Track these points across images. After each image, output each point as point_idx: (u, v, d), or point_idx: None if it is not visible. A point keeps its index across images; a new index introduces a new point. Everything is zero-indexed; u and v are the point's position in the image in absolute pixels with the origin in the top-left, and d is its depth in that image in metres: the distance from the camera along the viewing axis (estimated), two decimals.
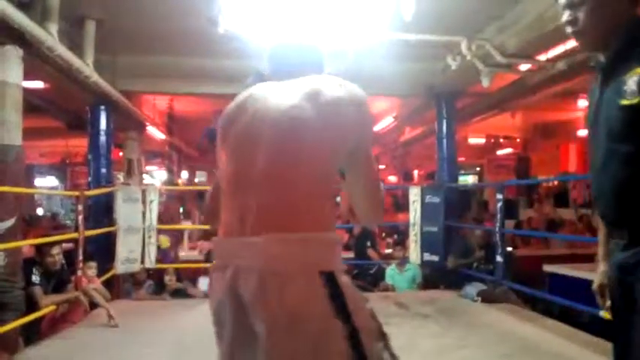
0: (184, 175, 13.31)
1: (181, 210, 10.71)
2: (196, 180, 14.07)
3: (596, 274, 1.55)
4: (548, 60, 4.80)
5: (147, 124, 7.59)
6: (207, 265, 5.72)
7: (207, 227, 7.85)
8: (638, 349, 1.30)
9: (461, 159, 10.16)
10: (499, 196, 4.88)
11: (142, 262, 5.19)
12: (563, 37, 4.08)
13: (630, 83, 1.27)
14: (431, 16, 4.20)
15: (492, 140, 10.42)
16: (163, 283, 5.37)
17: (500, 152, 11.65)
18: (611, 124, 1.34)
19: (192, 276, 5.92)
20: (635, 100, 1.26)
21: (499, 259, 4.75)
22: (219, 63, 5.77)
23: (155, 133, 8.54)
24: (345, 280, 1.13)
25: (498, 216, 4.83)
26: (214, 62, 5.82)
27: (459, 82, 5.70)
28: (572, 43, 4.30)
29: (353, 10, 4.08)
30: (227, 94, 5.96)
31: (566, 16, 1.43)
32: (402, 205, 8.44)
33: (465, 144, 9.81)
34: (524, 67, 5.12)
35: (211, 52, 5.43)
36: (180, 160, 11.50)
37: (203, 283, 5.77)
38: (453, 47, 4.82)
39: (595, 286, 1.55)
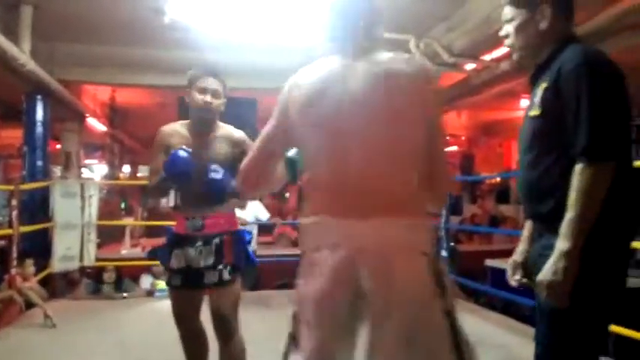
0: (126, 169, 12.87)
1: (123, 205, 10.36)
2: (139, 174, 13.63)
3: (517, 250, 1.70)
4: (492, 60, 4.93)
5: (87, 115, 7.26)
6: (150, 262, 5.56)
7: (149, 224, 7.53)
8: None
9: None
10: None
11: (81, 259, 4.96)
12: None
13: (537, 96, 1.44)
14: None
15: None
16: (101, 281, 5.16)
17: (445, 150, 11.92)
18: (523, 133, 1.53)
19: (134, 274, 5.73)
20: (537, 112, 1.43)
21: (444, 254, 4.85)
22: (164, 53, 5.59)
23: (95, 124, 8.19)
24: (437, 260, 1.26)
25: (443, 212, 4.93)
26: (159, 52, 5.63)
27: None
28: None
29: (306, 4, 4.03)
30: (171, 85, 5.87)
31: (503, 30, 1.58)
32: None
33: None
34: (470, 66, 5.24)
35: (156, 42, 5.24)
36: (122, 153, 11.10)
37: (145, 281, 5.59)
38: (402, 45, 4.87)
39: (510, 260, 1.69)
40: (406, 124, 1.23)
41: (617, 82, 1.38)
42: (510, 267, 1.69)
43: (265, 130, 1.39)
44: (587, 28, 3.68)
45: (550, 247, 1.38)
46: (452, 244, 5.40)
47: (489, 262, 5.64)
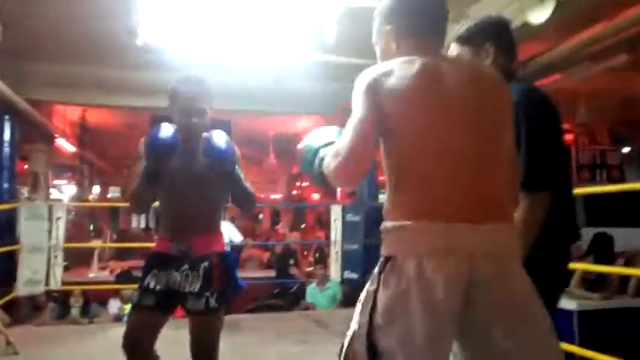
0: (96, 190, 12.65)
1: (91, 227, 10.16)
2: (109, 195, 13.42)
3: None
4: None
5: (56, 135, 7.15)
6: (119, 286, 5.46)
7: (119, 245, 7.39)
8: None
9: (381, 178, 10.44)
10: None
11: (47, 283, 4.84)
12: None
13: None
14: (352, 39, 4.32)
15: None
16: (68, 306, 5.04)
17: None
18: None
19: (102, 298, 5.60)
20: None
21: None
22: (137, 75, 5.58)
23: (65, 144, 8.07)
24: None
25: None
26: (130, 74, 5.62)
27: None
28: None
29: (276, 29, 4.11)
30: (144, 106, 5.85)
31: None
32: (325, 223, 8.53)
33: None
34: None
35: (128, 63, 5.25)
36: (91, 174, 10.93)
37: (113, 305, 5.48)
38: None
39: None
40: (504, 128, 1.24)
41: (551, 117, 1.52)
42: None
43: (358, 118, 1.22)
44: (548, 58, 3.86)
45: None
46: None
47: None
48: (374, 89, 1.21)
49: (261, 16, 3.89)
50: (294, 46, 4.35)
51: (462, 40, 1.66)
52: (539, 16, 3.23)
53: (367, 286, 1.19)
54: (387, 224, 1.21)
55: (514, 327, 1.13)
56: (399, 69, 1.20)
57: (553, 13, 3.13)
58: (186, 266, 1.94)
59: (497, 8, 3.66)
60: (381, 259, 1.18)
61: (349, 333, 1.19)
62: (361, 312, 1.17)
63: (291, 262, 6.87)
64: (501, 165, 1.22)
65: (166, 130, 1.87)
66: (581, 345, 3.31)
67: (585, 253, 4.59)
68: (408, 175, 1.20)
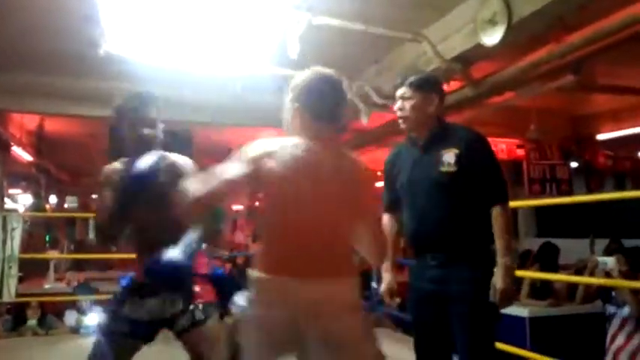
0: (52, 199, 12.29)
1: (47, 238, 9.86)
2: (66, 205, 13.04)
3: (384, 281, 2.26)
4: None
5: (12, 144, 6.96)
6: (75, 298, 5.35)
7: (76, 257, 7.22)
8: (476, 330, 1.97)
9: None
10: None
11: (0, 295, 4.70)
12: None
13: (446, 157, 1.99)
14: (316, 55, 4.40)
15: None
16: (24, 318, 4.90)
17: (378, 185, 12.29)
18: (431, 184, 2.02)
19: (58, 310, 5.47)
20: (453, 169, 1.97)
21: (374, 285, 5.00)
22: (97, 84, 5.50)
23: (21, 153, 7.85)
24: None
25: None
26: (91, 83, 5.53)
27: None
28: None
29: (240, 42, 4.16)
30: (103, 116, 5.77)
31: (398, 103, 2.11)
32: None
33: None
34: None
35: (89, 72, 5.18)
36: (48, 183, 10.62)
37: (70, 317, 5.35)
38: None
39: (385, 289, 2.24)
40: (351, 206, 1.56)
41: None
42: (388, 293, 2.23)
43: (230, 169, 1.51)
44: (500, 77, 4.04)
45: (463, 274, 1.97)
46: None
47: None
48: (259, 160, 1.49)
49: (225, 29, 3.94)
50: (256, 59, 4.41)
51: (414, 86, 2.07)
52: (491, 38, 3.39)
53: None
54: (254, 274, 1.51)
55: None
56: (281, 151, 1.50)
57: (504, 36, 3.30)
58: (164, 291, 1.90)
59: (452, 30, 3.84)
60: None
61: None
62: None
63: None
64: (344, 235, 1.56)
65: (144, 164, 1.84)
66: (532, 350, 3.46)
67: (531, 262, 4.79)
68: (272, 236, 1.53)
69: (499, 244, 1.93)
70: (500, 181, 2.03)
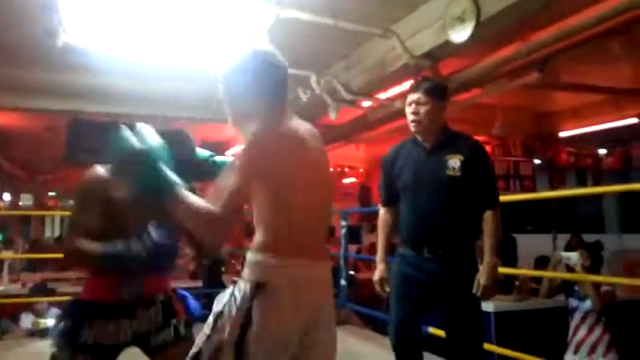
0: (6, 197, 11.82)
1: (0, 237, 9.46)
2: (21, 203, 12.57)
3: (377, 271, 2.39)
4: (387, 99, 5.25)
5: None
6: (34, 300, 5.13)
7: (32, 256, 6.94)
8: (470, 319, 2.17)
9: None
10: (343, 223, 5.15)
11: None
12: (400, 79, 4.51)
13: (452, 162, 2.17)
14: (284, 50, 4.34)
15: (338, 169, 10.98)
16: None
17: (345, 181, 12.33)
18: (436, 185, 2.19)
19: (12, 312, 5.23)
20: (457, 174, 2.16)
21: (343, 282, 4.98)
22: (54, 76, 5.29)
23: None
24: None
25: (342, 241, 5.08)
26: (48, 75, 5.31)
27: (309, 113, 5.95)
28: (408, 85, 4.77)
29: (207, 36, 4.06)
30: (62, 109, 5.55)
31: (412, 107, 2.25)
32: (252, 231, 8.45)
33: None
34: (366, 103, 5.53)
35: (46, 64, 4.97)
36: (1, 180, 10.20)
37: (26, 320, 5.13)
38: (303, 81, 5.04)
39: (377, 278, 2.37)
40: (331, 183, 1.64)
41: None
42: (380, 282, 2.36)
43: (231, 185, 1.42)
44: (467, 74, 4.07)
45: (453, 270, 2.18)
46: (351, 272, 5.56)
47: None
48: (254, 160, 1.42)
49: (191, 20, 3.83)
50: (224, 53, 4.31)
51: (430, 93, 2.24)
52: (460, 35, 3.40)
53: (234, 303, 1.40)
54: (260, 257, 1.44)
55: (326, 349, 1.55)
56: (272, 139, 1.45)
57: (473, 33, 3.32)
58: (140, 309, 1.68)
59: (421, 26, 3.84)
60: (250, 284, 1.41)
61: (212, 341, 1.40)
62: (231, 324, 1.39)
63: (223, 269, 6.82)
64: (329, 215, 1.66)
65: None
66: (497, 344, 3.51)
67: None
68: (280, 221, 1.47)
69: (488, 244, 2.15)
70: (495, 189, 2.29)
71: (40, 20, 3.82)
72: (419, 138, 2.30)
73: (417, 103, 2.24)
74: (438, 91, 2.29)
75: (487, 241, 2.14)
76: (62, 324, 1.67)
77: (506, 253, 4.66)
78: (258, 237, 1.46)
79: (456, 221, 2.18)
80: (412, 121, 2.26)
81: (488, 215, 2.17)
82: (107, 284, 1.67)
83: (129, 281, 1.66)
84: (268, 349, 1.37)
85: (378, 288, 2.36)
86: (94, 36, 4.18)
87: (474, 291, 2.11)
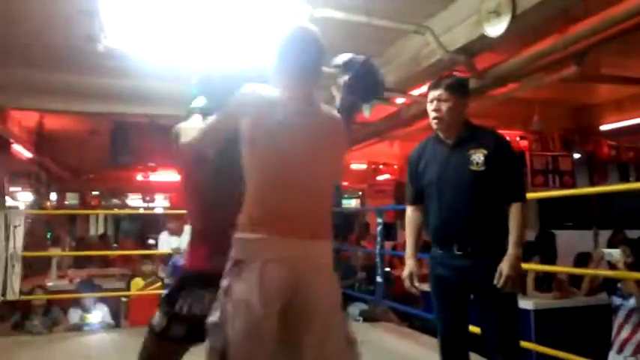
0: (53, 197, 12.27)
1: (48, 235, 9.85)
2: (67, 202, 13.03)
3: (407, 266, 2.39)
4: (421, 95, 5.22)
5: (11, 141, 6.93)
6: (79, 295, 5.33)
7: (80, 254, 7.17)
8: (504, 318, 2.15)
9: (344, 184, 10.53)
10: (379, 220, 5.16)
11: (4, 294, 4.69)
12: (434, 75, 4.48)
13: (475, 157, 2.16)
14: None
15: (373, 167, 10.96)
16: (28, 315, 4.90)
17: (379, 178, 12.30)
18: (461, 181, 2.18)
19: (62, 307, 5.46)
20: (481, 168, 2.15)
21: (379, 279, 4.99)
22: (96, 80, 5.47)
23: (21, 151, 7.82)
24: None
25: (378, 238, 5.09)
26: (90, 79, 5.49)
27: None
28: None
29: (242, 36, 4.13)
30: (104, 112, 5.73)
31: (434, 105, 2.25)
32: None
33: (348, 170, 10.23)
34: (400, 100, 5.51)
35: (88, 68, 5.14)
36: (49, 180, 10.60)
37: (74, 314, 5.35)
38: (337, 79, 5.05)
39: (407, 274, 2.37)
40: (335, 164, 1.61)
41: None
42: (410, 278, 2.35)
43: (217, 121, 1.57)
44: (503, 69, 4.02)
45: (485, 266, 2.12)
46: (386, 269, 5.57)
47: (423, 286, 5.85)
48: (242, 113, 1.50)
49: (226, 22, 3.90)
50: (256, 53, 4.37)
51: (451, 89, 2.22)
52: (495, 29, 3.36)
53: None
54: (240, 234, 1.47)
55: (321, 339, 1.44)
56: (267, 103, 1.50)
57: (508, 27, 3.27)
58: (217, 283, 1.55)
59: (456, 21, 3.80)
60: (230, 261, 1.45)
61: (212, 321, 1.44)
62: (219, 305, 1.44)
63: None
64: (329, 194, 1.60)
65: None
66: (537, 342, 3.46)
67: (531, 253, 4.78)
68: (261, 196, 1.50)
69: (513, 236, 2.12)
70: (521, 182, 2.30)
71: (82, 25, 3.97)
72: (441, 135, 2.29)
73: (439, 99, 2.23)
74: (459, 88, 2.28)
75: (512, 233, 2.12)
76: (165, 293, 1.74)
77: (545, 250, 4.58)
78: (242, 213, 1.47)
79: (483, 216, 2.17)
80: (434, 118, 2.26)
81: (514, 208, 2.15)
82: (202, 251, 1.69)
83: (220, 250, 1.57)
84: (242, 326, 1.37)
85: (407, 284, 2.36)
86: (133, 40, 4.31)
87: (494, 282, 2.08)
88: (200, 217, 1.76)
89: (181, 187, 1.82)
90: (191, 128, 1.67)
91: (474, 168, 2.15)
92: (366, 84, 1.83)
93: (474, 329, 2.34)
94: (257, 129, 1.46)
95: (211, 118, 1.60)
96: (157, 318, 1.70)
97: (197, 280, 1.67)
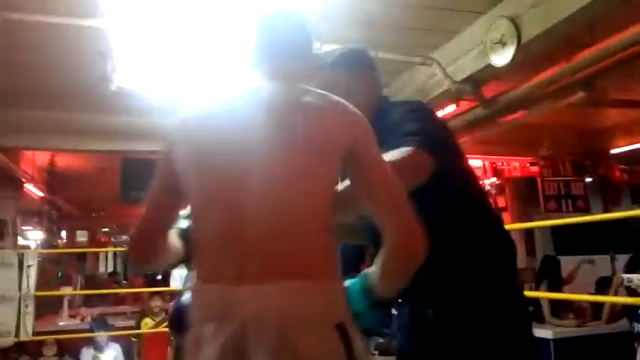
0: (62, 234, 12.32)
1: (59, 274, 9.84)
2: (76, 240, 13.07)
3: None
4: None
5: (24, 181, 7.00)
6: (92, 334, 5.28)
7: (92, 292, 7.14)
8: None
9: None
10: None
11: (17, 335, 4.66)
12: (442, 105, 4.52)
13: None
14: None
15: None
16: (40, 356, 4.85)
17: None
18: None
19: (74, 347, 5.41)
20: None
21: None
22: (107, 119, 5.55)
23: (34, 190, 7.89)
24: (353, 332, 1.04)
25: None
26: (102, 118, 5.57)
27: None
28: (449, 109, 4.77)
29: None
30: (114, 150, 5.79)
31: None
32: None
33: None
34: None
35: (99, 108, 5.22)
36: (59, 218, 10.66)
37: (87, 354, 5.29)
38: None
39: None
40: (315, 170, 1.03)
41: None
42: None
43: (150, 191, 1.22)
44: (511, 96, 4.05)
45: None
46: None
47: None
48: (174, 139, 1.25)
49: (236, 59, 3.97)
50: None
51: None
52: (501, 58, 3.40)
53: None
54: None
55: None
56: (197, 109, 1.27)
57: (514, 56, 3.30)
58: None
59: (461, 52, 3.85)
60: None
61: None
62: None
63: None
64: (311, 216, 1.04)
65: None
66: None
67: (538, 279, 4.71)
68: (199, 232, 1.11)
69: None
70: None
71: (95, 66, 4.05)
72: None
73: None
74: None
75: None
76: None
77: (553, 275, 4.51)
78: None
79: None
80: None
81: None
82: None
83: None
84: None
85: None
86: (144, 79, 4.39)
87: None
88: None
89: None
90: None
91: None
92: None
93: None
94: (187, 152, 1.14)
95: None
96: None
97: None
